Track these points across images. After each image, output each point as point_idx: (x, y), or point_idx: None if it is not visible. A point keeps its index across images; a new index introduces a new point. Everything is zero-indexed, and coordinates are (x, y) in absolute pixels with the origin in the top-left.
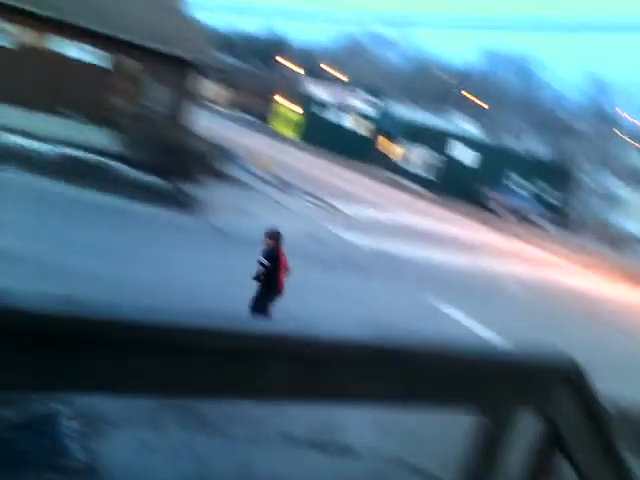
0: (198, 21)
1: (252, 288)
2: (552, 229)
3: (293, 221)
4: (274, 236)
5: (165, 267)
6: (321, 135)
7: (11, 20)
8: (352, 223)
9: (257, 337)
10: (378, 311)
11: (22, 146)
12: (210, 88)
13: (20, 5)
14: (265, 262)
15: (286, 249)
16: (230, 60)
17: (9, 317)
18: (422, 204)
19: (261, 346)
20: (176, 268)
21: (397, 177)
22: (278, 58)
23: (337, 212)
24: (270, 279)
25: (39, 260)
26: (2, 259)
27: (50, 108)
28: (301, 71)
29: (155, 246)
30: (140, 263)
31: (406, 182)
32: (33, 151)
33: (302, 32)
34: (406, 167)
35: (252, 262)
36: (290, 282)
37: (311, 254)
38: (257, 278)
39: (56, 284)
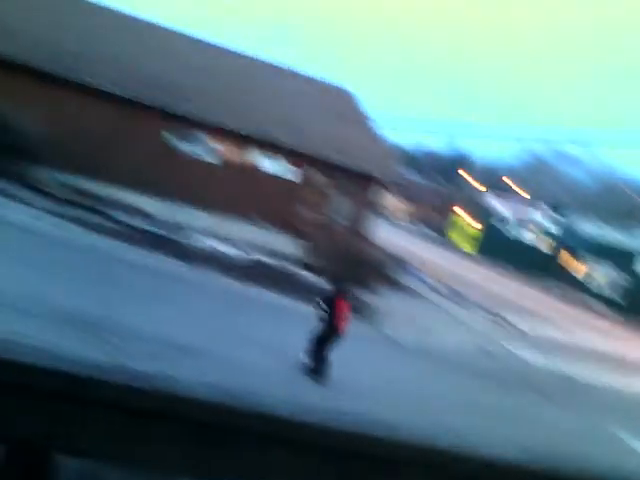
0: (383, 138)
1: (425, 402)
2: None
3: (466, 334)
4: (341, 288)
5: (334, 370)
6: (500, 249)
7: (216, 138)
8: (528, 340)
9: (406, 447)
10: (553, 438)
11: (215, 249)
12: (391, 201)
13: (225, 125)
14: (324, 306)
15: (457, 364)
16: (412, 175)
17: (165, 403)
18: (605, 324)
19: (410, 456)
20: (344, 372)
21: (579, 295)
22: (459, 173)
23: (513, 328)
24: (329, 322)
25: (217, 355)
26: (183, 353)
27: (243, 215)
28: (482, 186)
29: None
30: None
31: (589, 300)
32: (224, 253)
33: (484, 149)
34: (589, 285)
35: (421, 374)
36: (459, 399)
37: (483, 371)
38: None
39: (228, 377)
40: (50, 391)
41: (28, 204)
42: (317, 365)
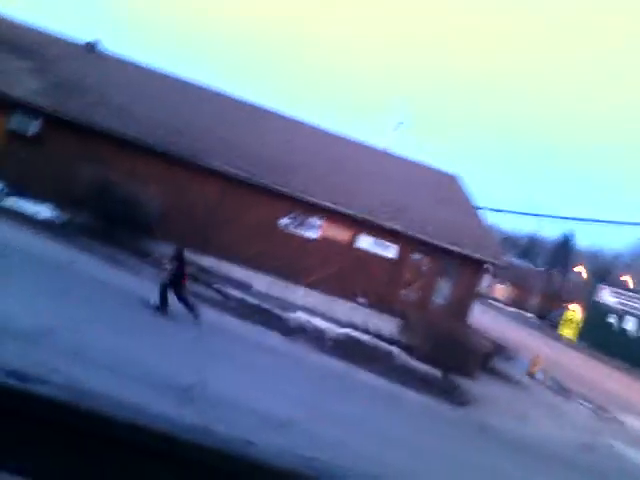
0: (487, 223)
1: None
2: None
3: (568, 428)
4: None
5: (423, 455)
6: (606, 340)
7: (321, 216)
8: (631, 435)
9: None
10: None
11: (314, 325)
12: (495, 286)
13: (330, 204)
14: (170, 266)
15: (558, 459)
16: (518, 260)
17: (245, 468)
18: None
19: None
20: (433, 459)
21: None
22: (567, 260)
23: (619, 423)
24: (177, 279)
25: (307, 430)
26: (273, 425)
27: (344, 294)
28: (588, 274)
29: (418, 434)
30: (402, 448)
31: None
32: (320, 329)
33: (594, 236)
34: None
35: (514, 465)
36: None
37: (587, 468)
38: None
39: (318, 454)
40: (135, 446)
41: (139, 273)
42: (163, 304)
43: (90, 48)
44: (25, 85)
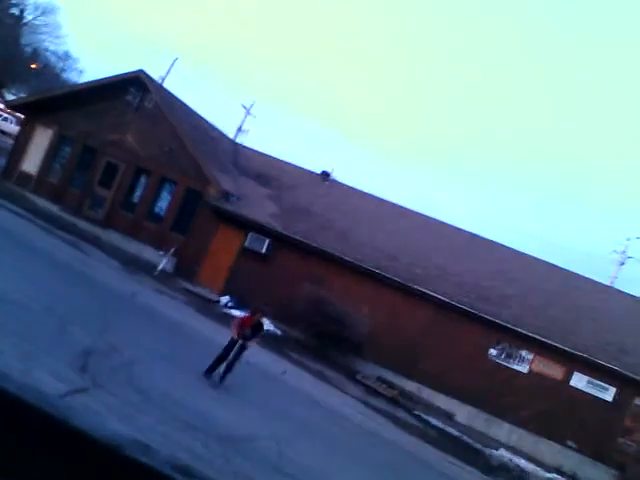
0: None
1: None
2: None
3: None
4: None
5: None
6: None
7: (528, 348)
8: None
9: None
10: None
11: (518, 465)
12: None
13: (545, 340)
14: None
15: None
16: None
17: None
18: None
19: None
20: None
21: None
22: None
23: None
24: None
25: None
26: None
27: (552, 435)
28: None
29: None
30: None
31: None
32: (526, 471)
33: None
34: None
35: None
36: None
37: None
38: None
39: None
40: None
41: (342, 390)
42: (225, 374)
43: (323, 177)
44: (263, 208)
